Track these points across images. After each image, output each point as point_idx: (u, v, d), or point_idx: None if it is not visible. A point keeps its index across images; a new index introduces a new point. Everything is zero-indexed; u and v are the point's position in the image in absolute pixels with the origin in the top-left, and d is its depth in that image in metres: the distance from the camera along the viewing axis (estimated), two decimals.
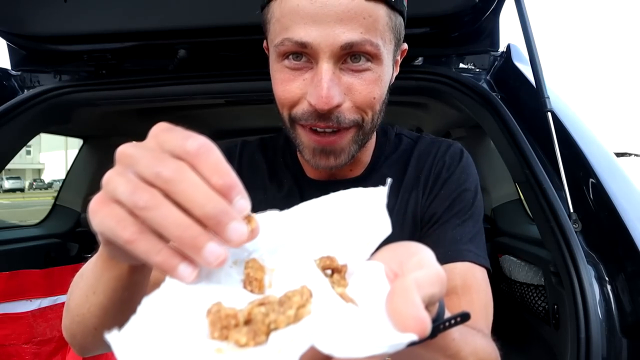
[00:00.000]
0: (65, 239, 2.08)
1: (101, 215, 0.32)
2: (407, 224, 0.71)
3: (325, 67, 0.58)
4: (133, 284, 0.45)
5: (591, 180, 0.92)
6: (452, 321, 0.38)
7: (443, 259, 0.64)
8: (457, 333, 0.46)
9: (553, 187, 0.94)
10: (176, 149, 0.31)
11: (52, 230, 2.09)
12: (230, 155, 0.79)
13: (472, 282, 0.65)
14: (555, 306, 1.10)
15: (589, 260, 0.85)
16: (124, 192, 0.31)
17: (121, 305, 0.47)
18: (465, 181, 0.71)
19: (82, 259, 2.08)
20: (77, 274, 0.53)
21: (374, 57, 0.59)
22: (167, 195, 0.31)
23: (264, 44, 0.68)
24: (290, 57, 0.60)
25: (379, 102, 0.63)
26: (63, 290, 1.35)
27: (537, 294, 1.35)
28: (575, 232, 0.88)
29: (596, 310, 0.80)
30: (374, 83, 0.61)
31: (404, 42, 0.68)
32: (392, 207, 0.72)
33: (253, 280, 0.32)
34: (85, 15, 1.19)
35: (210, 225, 0.30)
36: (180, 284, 0.31)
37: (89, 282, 0.48)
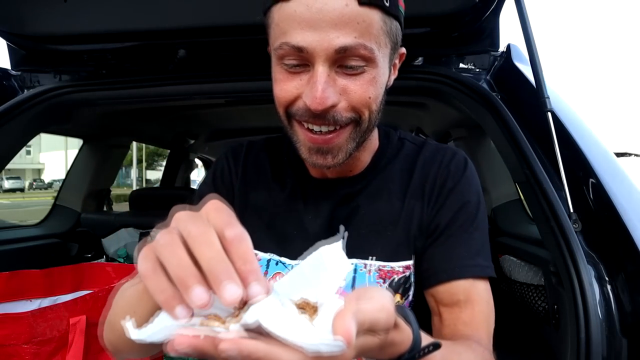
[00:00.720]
0: (65, 239, 2.08)
1: (140, 253, 0.39)
2: (413, 230, 0.72)
3: (321, 70, 0.60)
4: None
5: (591, 180, 0.92)
6: (426, 350, 0.46)
7: (451, 275, 0.69)
8: (438, 356, 0.49)
9: (553, 187, 0.94)
10: (217, 231, 0.37)
11: (52, 230, 2.09)
12: (236, 156, 0.82)
13: (475, 296, 0.69)
14: (555, 306, 1.10)
15: (589, 260, 0.85)
16: (159, 239, 0.38)
17: None
18: (469, 192, 0.73)
19: (82, 259, 2.08)
20: (120, 290, 0.59)
21: (368, 60, 0.61)
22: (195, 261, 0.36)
23: (268, 47, 0.70)
24: (289, 59, 0.62)
25: (375, 102, 0.64)
26: (63, 290, 1.35)
27: (537, 294, 1.35)
28: (575, 232, 0.88)
29: (596, 310, 0.80)
30: (369, 84, 0.62)
31: (402, 45, 0.69)
32: (398, 213, 0.73)
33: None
34: (85, 15, 1.19)
35: (210, 280, 0.35)
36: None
37: (130, 301, 0.54)
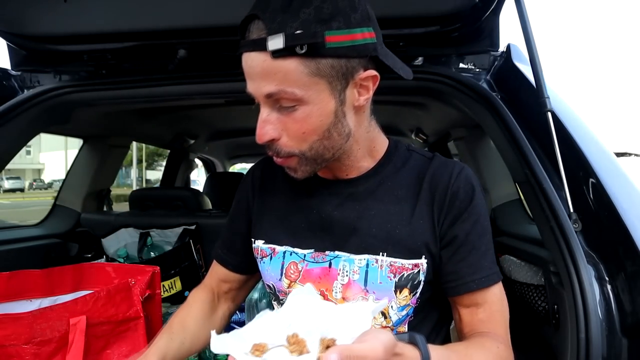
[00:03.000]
0: (65, 239, 2.08)
1: None
2: (425, 234, 0.79)
3: (262, 110, 0.73)
4: None
5: (591, 180, 0.92)
6: None
7: (479, 285, 0.78)
8: None
9: (553, 187, 0.94)
10: None
11: (52, 230, 2.09)
12: (255, 170, 0.96)
13: (491, 298, 0.78)
14: (555, 306, 1.10)
15: (589, 260, 0.85)
16: None
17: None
18: (482, 206, 0.81)
19: (82, 259, 2.07)
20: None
21: (296, 100, 0.70)
22: None
23: None
24: None
25: (313, 134, 0.73)
26: (63, 290, 1.35)
27: (537, 294, 1.35)
28: (575, 232, 0.88)
29: (596, 310, 0.80)
30: (303, 120, 0.72)
31: (369, 69, 0.73)
32: (409, 216, 0.79)
33: (294, 342, 0.57)
34: (85, 15, 1.19)
35: None
36: (256, 328, 0.61)
37: None
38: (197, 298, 0.95)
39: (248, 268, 0.95)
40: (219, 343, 0.57)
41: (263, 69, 0.69)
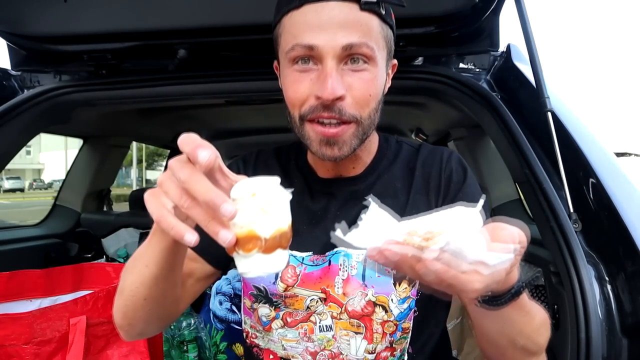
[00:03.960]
0: (65, 239, 2.08)
1: (150, 202, 0.51)
2: None
3: (330, 65, 0.68)
4: (176, 253, 0.61)
5: (591, 180, 0.92)
6: (531, 281, 0.53)
7: None
8: (526, 297, 0.58)
9: (553, 187, 0.94)
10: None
11: (52, 230, 2.09)
12: (246, 162, 0.90)
13: None
14: (555, 306, 1.10)
15: (589, 260, 0.85)
16: (170, 187, 0.50)
17: (167, 274, 0.62)
18: (475, 185, 0.81)
19: (82, 259, 2.08)
20: (130, 260, 0.68)
21: (369, 59, 0.70)
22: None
23: (274, 64, 0.80)
24: (300, 61, 0.71)
25: (374, 100, 0.72)
26: (63, 290, 1.35)
27: (537, 294, 1.35)
28: (575, 232, 0.88)
29: (596, 310, 0.80)
30: (370, 82, 0.71)
31: (394, 57, 0.78)
32: (404, 207, 0.80)
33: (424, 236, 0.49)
34: (85, 15, 1.19)
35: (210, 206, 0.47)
36: (382, 218, 0.52)
37: (142, 257, 0.63)
38: None
39: (224, 264, 0.84)
40: (357, 237, 0.50)
41: (348, 19, 0.67)
